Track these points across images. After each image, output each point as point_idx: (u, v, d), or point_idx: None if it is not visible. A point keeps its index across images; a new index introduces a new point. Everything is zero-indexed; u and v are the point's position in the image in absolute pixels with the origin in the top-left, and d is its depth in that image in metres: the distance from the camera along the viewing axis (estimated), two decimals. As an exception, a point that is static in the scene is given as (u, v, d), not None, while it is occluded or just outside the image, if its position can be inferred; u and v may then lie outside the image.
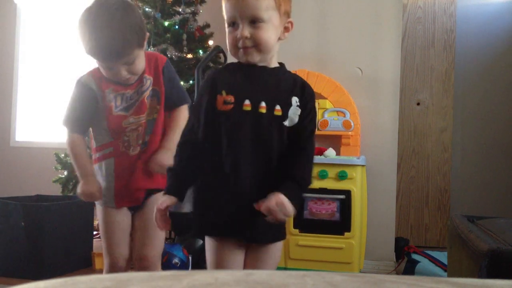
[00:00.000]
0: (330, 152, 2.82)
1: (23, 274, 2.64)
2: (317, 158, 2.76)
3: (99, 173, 1.74)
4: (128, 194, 1.72)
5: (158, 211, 1.30)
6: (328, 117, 2.96)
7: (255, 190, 1.28)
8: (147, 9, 3.34)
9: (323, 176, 2.71)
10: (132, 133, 1.70)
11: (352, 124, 2.91)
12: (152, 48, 3.23)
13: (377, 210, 2.98)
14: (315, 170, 2.71)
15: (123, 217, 1.74)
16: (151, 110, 1.71)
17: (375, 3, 3.09)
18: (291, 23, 1.39)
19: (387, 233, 3.00)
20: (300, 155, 1.32)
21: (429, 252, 2.95)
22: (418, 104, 3.87)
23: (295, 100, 1.32)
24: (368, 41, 3.09)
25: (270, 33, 1.31)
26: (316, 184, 2.70)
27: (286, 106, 1.32)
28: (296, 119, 1.32)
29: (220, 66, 1.42)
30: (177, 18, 3.31)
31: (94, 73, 1.70)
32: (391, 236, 3.01)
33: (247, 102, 1.30)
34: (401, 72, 3.20)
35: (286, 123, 1.31)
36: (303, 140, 1.33)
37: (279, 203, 1.20)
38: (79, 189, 1.67)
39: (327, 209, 2.70)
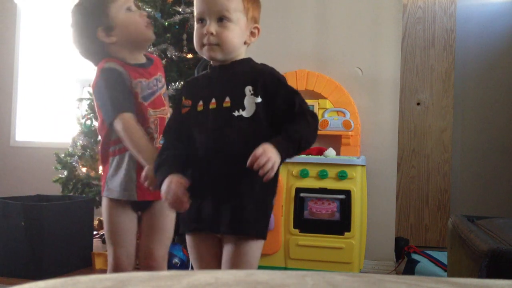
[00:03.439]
0: (330, 152, 2.82)
1: (23, 274, 2.64)
2: (317, 158, 2.76)
3: (119, 167, 1.67)
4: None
5: (182, 192, 1.28)
6: (328, 117, 2.96)
7: (221, 183, 1.32)
8: (147, 9, 3.34)
9: (323, 176, 2.71)
10: (154, 126, 1.68)
11: (352, 124, 2.91)
12: (152, 48, 3.23)
13: (377, 210, 2.98)
14: (315, 170, 2.71)
15: (129, 217, 1.72)
16: (165, 108, 1.73)
17: (375, 3, 3.09)
18: (258, 29, 1.41)
19: (387, 233, 3.00)
20: (294, 121, 1.32)
21: (429, 252, 2.95)
22: (418, 104, 3.87)
23: (248, 89, 1.34)
24: (368, 41, 3.09)
25: (235, 33, 1.34)
26: (316, 184, 2.70)
27: (239, 96, 1.34)
28: (253, 108, 1.32)
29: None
30: (177, 18, 3.31)
31: (117, 61, 1.68)
32: (391, 236, 3.01)
33: (200, 102, 1.37)
34: (401, 72, 3.20)
35: (238, 113, 1.32)
36: (294, 115, 1.32)
37: (264, 149, 1.22)
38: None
39: (327, 209, 2.70)
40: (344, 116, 2.95)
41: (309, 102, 2.97)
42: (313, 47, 3.15)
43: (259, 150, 1.22)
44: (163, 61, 3.27)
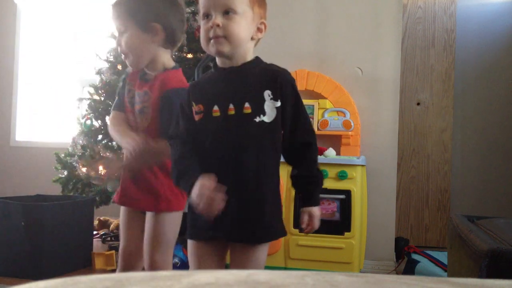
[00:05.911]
0: (330, 152, 2.82)
1: (23, 274, 2.63)
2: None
3: None
4: (122, 191, 1.75)
5: (212, 192, 1.23)
6: (328, 117, 2.96)
7: (240, 190, 1.30)
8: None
9: (323, 176, 2.70)
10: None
11: (352, 124, 2.91)
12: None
13: (377, 210, 2.98)
14: (315, 170, 2.71)
15: (132, 216, 1.75)
16: (140, 125, 1.67)
17: (375, 3, 3.10)
18: (265, 24, 1.39)
19: (387, 233, 3.00)
20: (307, 152, 1.38)
21: (429, 252, 2.95)
22: (418, 104, 3.87)
23: (267, 93, 1.31)
24: (368, 41, 3.09)
25: (242, 26, 1.31)
26: (316, 184, 2.70)
27: (258, 101, 1.31)
28: (274, 113, 1.31)
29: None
30: (177, 18, 3.30)
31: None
32: (391, 236, 3.01)
33: (215, 108, 1.32)
34: (401, 72, 3.20)
35: (259, 119, 1.30)
36: (303, 134, 1.36)
37: (317, 217, 1.46)
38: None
39: (327, 209, 2.70)
40: (344, 116, 2.95)
41: (309, 102, 2.98)
42: (313, 47, 3.15)
43: (314, 223, 1.48)
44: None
